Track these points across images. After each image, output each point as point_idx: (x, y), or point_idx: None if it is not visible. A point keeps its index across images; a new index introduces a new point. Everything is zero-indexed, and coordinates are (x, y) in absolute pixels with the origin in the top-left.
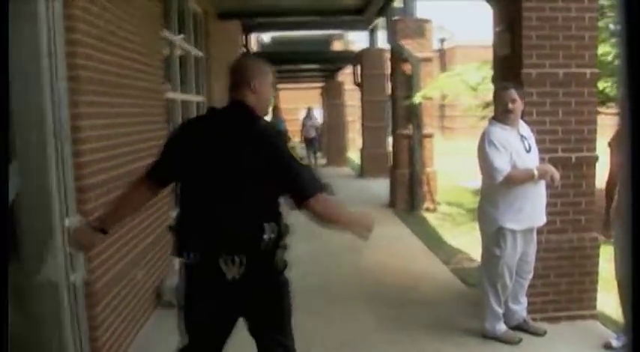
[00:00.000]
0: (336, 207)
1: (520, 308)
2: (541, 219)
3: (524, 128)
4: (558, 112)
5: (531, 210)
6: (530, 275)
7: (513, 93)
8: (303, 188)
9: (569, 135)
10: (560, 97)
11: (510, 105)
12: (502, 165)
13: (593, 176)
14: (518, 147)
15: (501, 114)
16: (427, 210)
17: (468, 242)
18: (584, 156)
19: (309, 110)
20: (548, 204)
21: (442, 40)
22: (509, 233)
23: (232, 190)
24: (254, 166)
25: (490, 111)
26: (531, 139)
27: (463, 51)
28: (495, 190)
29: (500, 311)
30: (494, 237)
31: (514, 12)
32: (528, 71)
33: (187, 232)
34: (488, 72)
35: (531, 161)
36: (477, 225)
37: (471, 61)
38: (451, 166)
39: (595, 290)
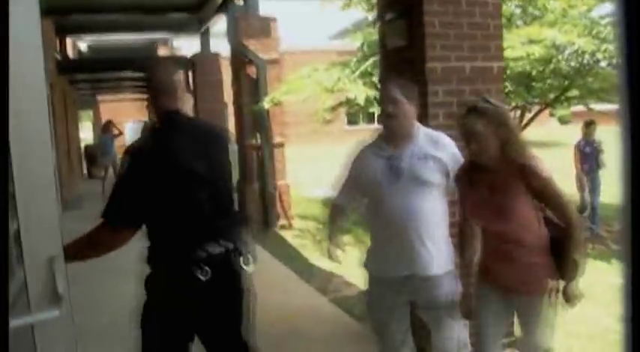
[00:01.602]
0: None
1: None
2: (421, 266)
3: (426, 144)
4: None
5: (400, 253)
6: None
7: (394, 90)
8: None
9: None
10: (467, 96)
11: (391, 109)
12: (339, 198)
13: None
14: (382, 174)
15: (380, 122)
16: (282, 227)
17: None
18: None
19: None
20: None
21: None
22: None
23: None
24: None
25: (336, 115)
26: (429, 162)
27: (292, 57)
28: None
29: None
30: None
31: None
32: (433, 65)
33: None
34: (341, 73)
35: (401, 195)
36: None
37: (299, 67)
38: (298, 175)
39: None
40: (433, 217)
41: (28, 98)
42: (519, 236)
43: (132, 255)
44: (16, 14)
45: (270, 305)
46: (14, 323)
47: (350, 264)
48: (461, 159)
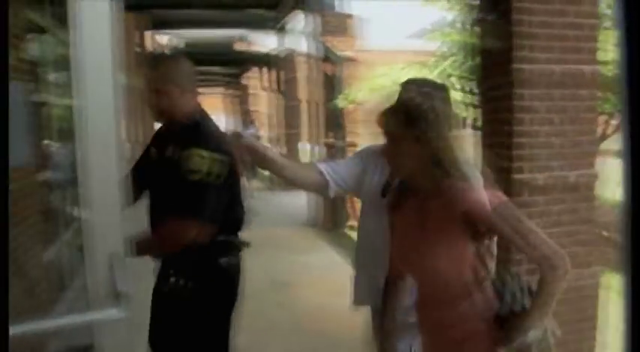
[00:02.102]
0: None
1: None
2: None
3: None
4: (553, 120)
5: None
6: None
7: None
8: None
9: (566, 149)
10: (557, 101)
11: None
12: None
13: (593, 199)
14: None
15: None
16: (351, 228)
17: None
18: (583, 175)
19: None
20: None
21: None
22: None
23: None
24: None
25: None
26: None
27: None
28: None
29: None
30: None
31: None
32: (519, 66)
33: None
34: (419, 73)
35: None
36: None
37: (377, 66)
38: None
39: (594, 339)
40: None
41: (94, 93)
42: (453, 295)
43: None
44: (88, 7)
45: (337, 311)
46: (73, 319)
47: None
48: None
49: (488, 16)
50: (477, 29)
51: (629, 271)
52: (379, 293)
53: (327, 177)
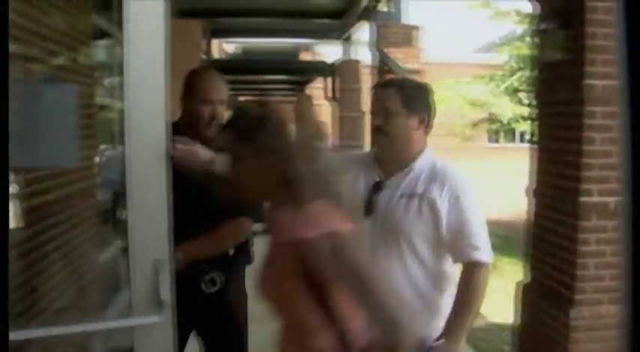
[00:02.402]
0: None
1: None
2: None
3: (424, 178)
4: None
5: None
6: None
7: (389, 95)
8: None
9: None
10: None
11: (379, 121)
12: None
13: None
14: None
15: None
16: None
17: None
18: None
19: None
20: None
21: None
22: None
23: None
24: None
25: (477, 131)
26: (414, 204)
27: (433, 69)
28: None
29: None
30: None
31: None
32: (591, 83)
33: None
34: (486, 87)
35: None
36: None
37: (441, 78)
38: None
39: None
40: (414, 285)
41: (146, 96)
42: (295, 338)
43: None
44: (142, 12)
45: None
46: (116, 323)
47: None
48: (468, 209)
49: (549, 27)
50: (537, 40)
51: (629, 271)
52: None
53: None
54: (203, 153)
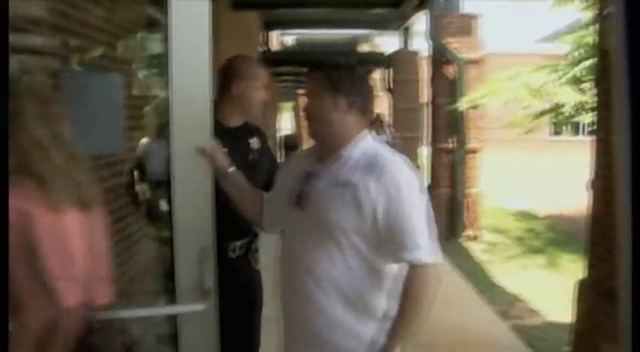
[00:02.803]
0: None
1: None
2: None
3: (357, 164)
4: None
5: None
6: None
7: (315, 77)
8: None
9: None
10: None
11: (307, 104)
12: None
13: None
14: (290, 198)
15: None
16: (468, 238)
17: (524, 283)
18: None
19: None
20: None
21: None
22: None
23: None
24: None
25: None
26: (346, 194)
27: (493, 59)
28: None
29: None
30: None
31: None
32: None
33: None
34: (549, 77)
35: (300, 239)
36: (530, 260)
37: (502, 69)
38: (490, 184)
39: None
40: (344, 282)
41: (191, 88)
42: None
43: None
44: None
45: (443, 324)
46: (160, 311)
47: (537, 289)
48: (407, 203)
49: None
50: (600, 27)
51: (629, 271)
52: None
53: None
54: (221, 160)
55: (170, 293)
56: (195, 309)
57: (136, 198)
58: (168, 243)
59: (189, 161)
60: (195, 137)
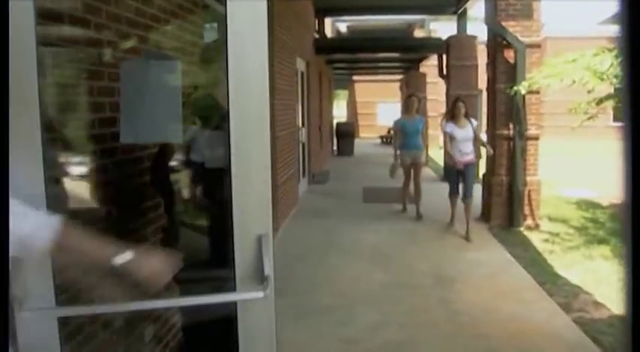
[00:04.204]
0: None
1: None
2: None
3: None
4: None
5: None
6: None
7: None
8: None
9: None
10: None
11: None
12: None
13: None
14: None
15: None
16: (528, 228)
17: (587, 275)
18: None
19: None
20: None
21: None
22: None
23: None
24: None
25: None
26: None
27: (553, 43)
28: None
29: None
30: None
31: None
32: None
33: None
34: (614, 60)
35: None
36: (594, 251)
37: (562, 53)
38: (550, 172)
39: None
40: None
41: (248, 79)
42: None
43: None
44: None
45: (503, 315)
46: (219, 298)
47: (603, 281)
48: None
49: None
50: None
51: (629, 271)
52: None
53: None
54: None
55: (211, 281)
56: (257, 296)
57: (166, 186)
58: (206, 232)
59: (248, 148)
60: (254, 123)
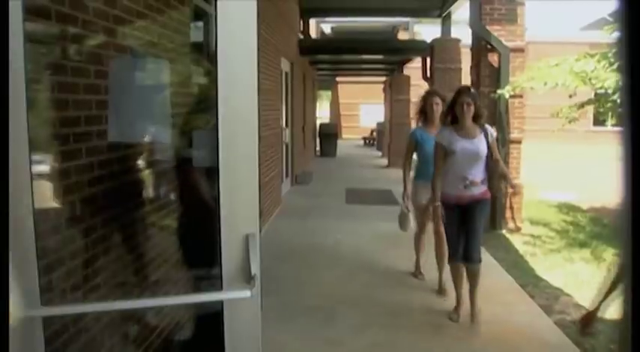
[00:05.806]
0: None
1: None
2: None
3: None
4: None
5: None
6: None
7: None
8: None
9: None
10: None
11: None
12: None
13: None
14: None
15: None
16: (510, 230)
17: (568, 277)
18: None
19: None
20: None
21: None
22: None
23: None
24: None
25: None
26: None
27: (535, 47)
28: None
29: None
30: None
31: None
32: None
33: None
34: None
35: None
36: (575, 254)
37: (544, 58)
38: (532, 176)
39: None
40: None
41: (237, 80)
42: None
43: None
44: None
45: (485, 317)
46: (206, 297)
47: (583, 284)
48: None
49: None
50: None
51: (629, 271)
52: None
53: None
54: None
55: (191, 281)
56: (244, 296)
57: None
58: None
59: (236, 147)
60: (242, 122)
